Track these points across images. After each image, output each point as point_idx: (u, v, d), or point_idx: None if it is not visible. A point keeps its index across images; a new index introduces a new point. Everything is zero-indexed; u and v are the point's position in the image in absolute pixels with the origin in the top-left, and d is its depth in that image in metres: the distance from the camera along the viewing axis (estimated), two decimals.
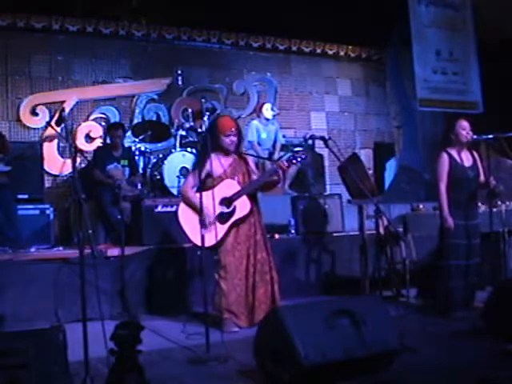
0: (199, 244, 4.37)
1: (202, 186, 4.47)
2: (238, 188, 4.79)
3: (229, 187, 4.78)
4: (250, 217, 4.85)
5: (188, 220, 4.76)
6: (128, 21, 8.30)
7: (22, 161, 6.33)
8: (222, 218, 4.74)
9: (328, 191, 8.39)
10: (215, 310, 4.76)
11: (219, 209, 4.69)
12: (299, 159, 4.76)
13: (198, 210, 4.39)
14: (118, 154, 6.64)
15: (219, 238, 4.69)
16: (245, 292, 4.78)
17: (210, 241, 4.56)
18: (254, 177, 4.95)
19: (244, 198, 4.78)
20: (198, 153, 5.34)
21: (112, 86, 8.22)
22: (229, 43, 9.00)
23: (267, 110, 7.86)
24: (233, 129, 4.83)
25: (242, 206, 4.77)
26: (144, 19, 8.37)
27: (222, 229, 4.72)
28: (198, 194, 4.46)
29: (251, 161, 5.09)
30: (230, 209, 4.75)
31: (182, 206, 4.86)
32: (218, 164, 4.77)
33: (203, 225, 4.37)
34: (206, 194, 4.48)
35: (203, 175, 4.68)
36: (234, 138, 4.85)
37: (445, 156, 5.09)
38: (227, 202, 4.75)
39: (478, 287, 5.34)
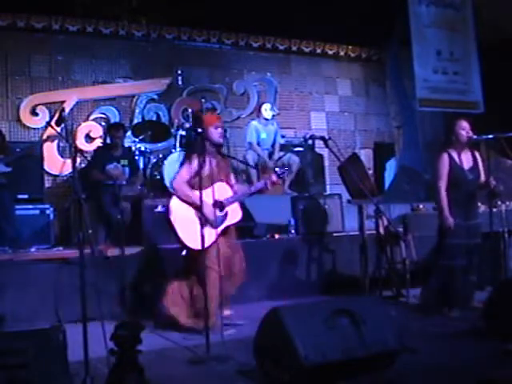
0: (191, 245, 4.39)
1: (200, 184, 4.21)
2: (230, 192, 4.72)
3: (221, 190, 4.65)
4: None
5: (181, 218, 4.54)
6: (128, 21, 8.29)
7: (21, 161, 6.33)
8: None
9: (328, 191, 8.38)
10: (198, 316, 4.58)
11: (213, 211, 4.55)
12: (282, 171, 4.89)
13: (196, 208, 4.35)
14: (117, 154, 6.63)
15: (211, 241, 4.45)
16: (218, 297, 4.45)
17: (197, 244, 4.22)
18: (233, 180, 4.94)
19: (237, 204, 4.74)
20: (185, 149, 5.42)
21: (112, 85, 8.22)
22: (229, 43, 9.00)
23: (266, 111, 7.86)
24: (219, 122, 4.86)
25: (235, 213, 4.73)
26: (144, 19, 8.36)
27: (213, 233, 4.50)
28: (196, 192, 4.35)
29: (228, 165, 5.06)
30: (223, 213, 4.67)
31: (176, 201, 4.63)
32: (207, 163, 4.60)
33: (206, 223, 4.32)
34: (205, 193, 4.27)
35: (193, 172, 4.58)
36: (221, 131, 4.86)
37: (445, 156, 5.10)
38: (220, 205, 4.63)
39: (478, 287, 5.35)
